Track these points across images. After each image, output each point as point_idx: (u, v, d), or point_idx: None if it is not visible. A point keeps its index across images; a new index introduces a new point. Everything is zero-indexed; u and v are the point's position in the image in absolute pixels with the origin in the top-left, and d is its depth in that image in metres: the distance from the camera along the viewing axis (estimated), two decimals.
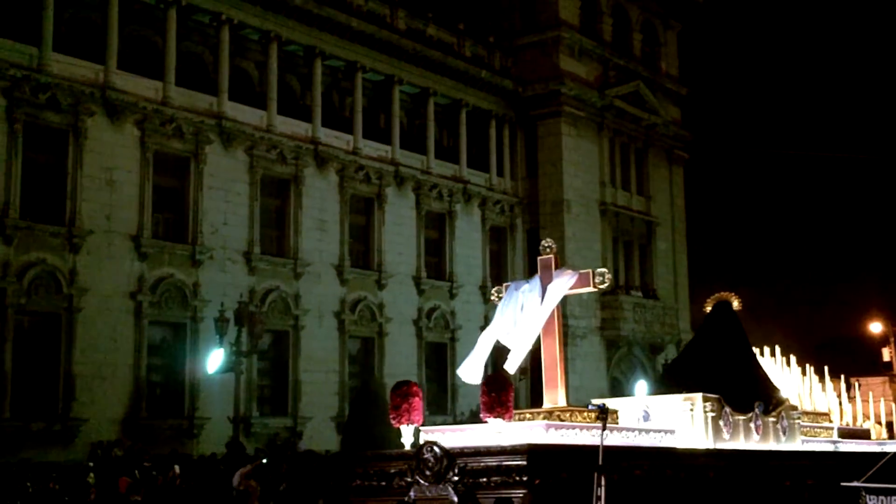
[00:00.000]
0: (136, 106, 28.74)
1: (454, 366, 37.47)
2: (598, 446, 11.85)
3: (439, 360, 37.50)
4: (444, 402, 37.04)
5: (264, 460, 21.19)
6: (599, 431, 12.20)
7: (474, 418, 35.09)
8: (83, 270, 27.16)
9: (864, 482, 12.85)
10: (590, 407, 12.69)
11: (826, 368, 19.61)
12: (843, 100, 69.03)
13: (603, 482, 10.54)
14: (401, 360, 35.46)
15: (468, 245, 39.08)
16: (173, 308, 29.24)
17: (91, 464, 22.17)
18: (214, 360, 27.07)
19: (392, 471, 12.17)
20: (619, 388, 40.39)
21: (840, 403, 19.86)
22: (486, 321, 38.92)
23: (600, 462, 10.59)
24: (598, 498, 10.44)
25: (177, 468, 21.23)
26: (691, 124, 49.42)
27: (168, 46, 29.89)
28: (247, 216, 31.39)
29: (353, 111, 35.39)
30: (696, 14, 49.94)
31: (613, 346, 41.85)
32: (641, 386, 41.23)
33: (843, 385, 20.06)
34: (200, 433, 28.88)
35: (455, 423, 34.76)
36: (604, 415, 11.35)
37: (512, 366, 13.68)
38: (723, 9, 62.06)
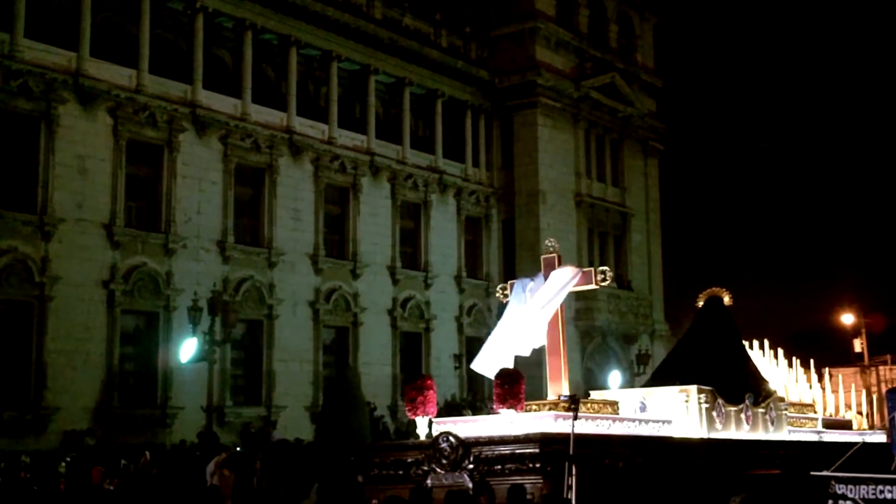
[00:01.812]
0: (108, 94, 28.53)
1: (429, 356, 37.58)
2: (602, 435, 12.42)
3: (414, 349, 37.50)
4: None
5: (238, 448, 21.12)
6: (601, 421, 12.96)
7: (449, 409, 35.23)
8: (55, 259, 26.98)
9: (833, 472, 12.99)
10: (562, 398, 13.01)
11: (812, 361, 20.15)
12: (818, 93, 69.46)
13: (574, 471, 10.74)
14: (375, 349, 35.45)
15: (443, 235, 39.08)
16: (146, 297, 29.09)
17: (68, 458, 21.94)
18: (187, 349, 26.97)
19: (409, 460, 12.82)
20: (593, 379, 40.53)
21: (823, 394, 20.45)
22: (461, 311, 39.13)
23: (570, 451, 10.82)
24: (570, 487, 10.57)
25: (147, 454, 21.13)
26: (666, 116, 49.62)
27: (142, 34, 29.68)
28: (220, 205, 31.25)
29: (328, 100, 35.27)
30: (672, 6, 50.15)
31: (588, 336, 41.97)
32: (615, 376, 41.50)
33: (826, 376, 20.70)
34: (173, 422, 28.78)
35: None
36: (574, 405, 11.69)
37: (526, 349, 14.11)
38: (698, 1, 62.30)
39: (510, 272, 40.79)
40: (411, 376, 36.33)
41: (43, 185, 27.03)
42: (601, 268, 14.37)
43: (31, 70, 26.88)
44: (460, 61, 39.89)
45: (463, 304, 39.35)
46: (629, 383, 40.49)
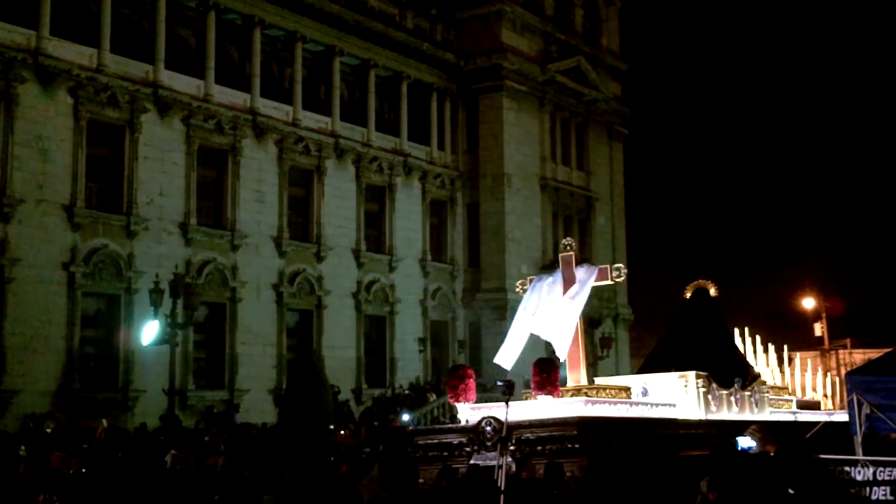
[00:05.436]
0: (69, 73, 28.12)
1: (393, 339, 37.52)
2: (627, 418, 14.01)
3: (378, 333, 37.43)
4: (382, 375, 37.01)
5: (206, 438, 21.01)
6: (620, 405, 14.43)
7: (413, 391, 35.22)
8: (15, 240, 26.62)
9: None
10: (497, 383, 13.58)
11: (772, 345, 21.28)
12: (782, 77, 70.00)
13: (507, 452, 11.50)
14: (339, 333, 35.34)
15: (408, 218, 38.98)
16: (107, 279, 28.80)
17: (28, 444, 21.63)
18: (149, 331, 26.64)
19: (454, 442, 14.03)
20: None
21: (793, 378, 22.09)
22: (426, 295, 39.07)
23: (504, 434, 11.57)
24: (500, 466, 10.99)
25: (104, 422, 20.94)
26: (631, 101, 49.77)
27: (103, 12, 29.25)
28: (183, 187, 30.96)
29: (292, 82, 35.01)
30: None
31: None
32: None
33: (790, 360, 22.20)
34: (135, 406, 28.56)
35: (393, 395, 34.79)
36: (509, 391, 12.44)
37: (562, 352, 15.20)
38: None
39: (475, 256, 40.85)
40: (375, 360, 36.54)
41: (2, 166, 26.63)
42: (616, 265, 15.52)
43: None
44: (426, 43, 39.71)
45: (427, 287, 39.31)
46: (592, 367, 40.66)
